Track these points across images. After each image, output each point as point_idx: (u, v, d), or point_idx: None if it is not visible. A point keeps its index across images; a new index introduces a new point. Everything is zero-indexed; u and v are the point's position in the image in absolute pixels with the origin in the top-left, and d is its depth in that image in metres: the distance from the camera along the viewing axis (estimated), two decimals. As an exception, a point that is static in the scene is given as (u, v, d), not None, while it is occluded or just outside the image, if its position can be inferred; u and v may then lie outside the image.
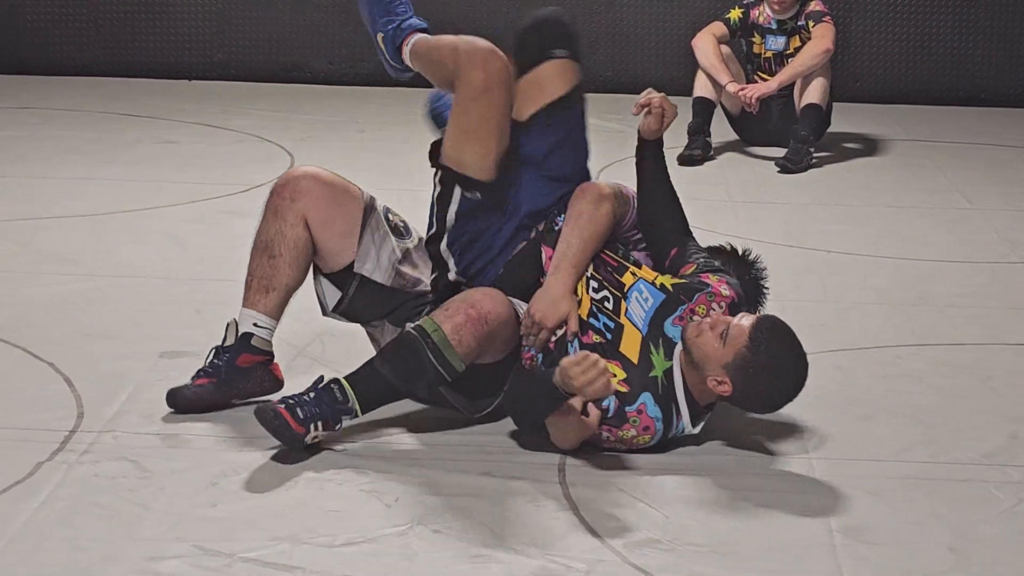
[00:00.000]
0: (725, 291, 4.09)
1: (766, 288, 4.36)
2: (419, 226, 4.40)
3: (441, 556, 3.48)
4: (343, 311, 4.31)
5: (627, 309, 4.08)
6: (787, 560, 3.52)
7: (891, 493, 3.88)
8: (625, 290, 4.11)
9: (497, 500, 3.77)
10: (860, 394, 4.57)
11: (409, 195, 6.87)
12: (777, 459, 4.06)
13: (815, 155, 7.80)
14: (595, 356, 3.75)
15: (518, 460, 3.99)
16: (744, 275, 4.28)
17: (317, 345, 4.77)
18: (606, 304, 4.09)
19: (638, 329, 4.05)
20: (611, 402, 3.95)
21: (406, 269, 4.28)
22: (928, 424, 4.36)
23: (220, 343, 4.24)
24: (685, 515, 3.72)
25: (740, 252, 4.38)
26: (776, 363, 3.89)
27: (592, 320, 4.07)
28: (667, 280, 4.13)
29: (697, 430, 4.05)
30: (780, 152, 7.76)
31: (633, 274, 4.14)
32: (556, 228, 4.17)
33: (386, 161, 7.57)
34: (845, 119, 8.57)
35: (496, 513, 3.70)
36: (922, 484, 3.95)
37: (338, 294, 4.28)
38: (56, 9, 9.61)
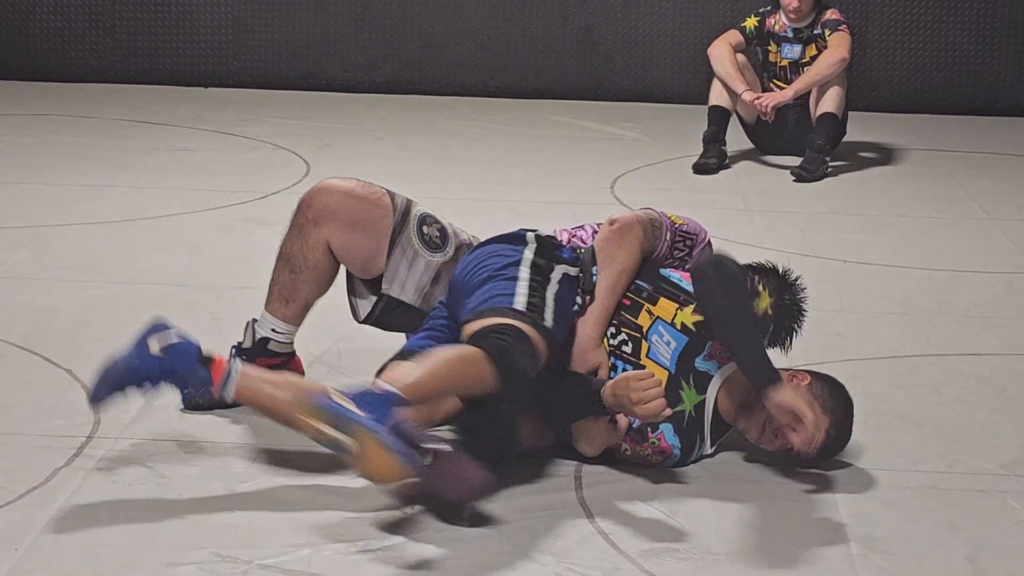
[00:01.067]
0: None
1: (805, 311, 4.25)
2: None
3: (457, 563, 3.48)
4: (373, 323, 4.31)
5: (649, 349, 4.02)
6: (803, 570, 3.52)
7: (908, 503, 3.88)
8: (644, 331, 4.04)
9: (513, 508, 3.77)
10: (877, 404, 4.56)
11: (425, 203, 6.88)
12: (793, 468, 4.05)
13: (831, 164, 7.80)
14: (658, 378, 3.78)
15: (534, 468, 3.98)
16: (782, 296, 4.20)
17: (333, 353, 4.78)
18: (624, 348, 4.04)
19: (665, 368, 4.00)
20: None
21: (437, 291, 4.23)
22: (945, 434, 4.36)
23: (239, 341, 4.28)
24: (701, 524, 3.72)
25: (780, 271, 4.27)
26: (841, 442, 4.01)
27: (612, 368, 4.04)
28: (687, 318, 4.03)
29: (712, 449, 4.05)
30: (796, 161, 7.76)
31: (649, 312, 4.05)
32: (594, 278, 4.11)
33: (401, 168, 7.58)
34: (861, 128, 8.56)
35: (512, 521, 3.69)
36: (939, 494, 3.94)
37: (369, 306, 4.28)
38: (72, 15, 9.64)
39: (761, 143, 8.13)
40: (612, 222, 4.14)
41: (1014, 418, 4.50)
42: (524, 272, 3.97)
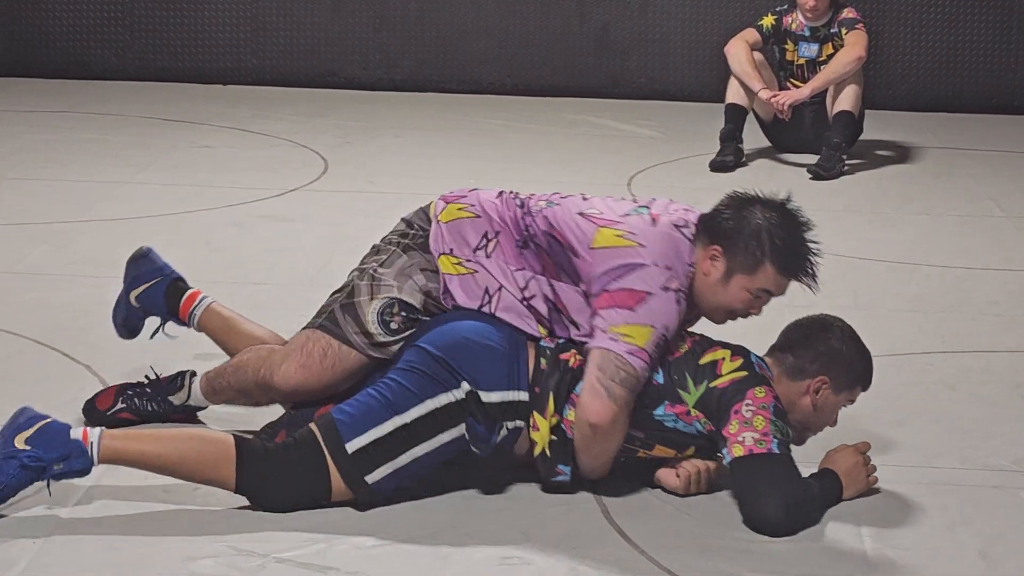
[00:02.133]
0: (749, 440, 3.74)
1: (818, 253, 4.12)
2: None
3: (473, 558, 3.50)
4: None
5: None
6: (817, 563, 3.54)
7: (922, 498, 3.89)
8: (651, 450, 3.89)
9: (529, 503, 3.79)
10: (892, 400, 4.58)
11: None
12: (807, 464, 4.06)
13: (847, 162, 7.80)
14: (690, 474, 3.83)
15: (550, 464, 4.00)
16: (784, 229, 4.10)
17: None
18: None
19: (672, 449, 3.91)
20: None
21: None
22: (959, 430, 4.37)
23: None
24: (715, 518, 3.74)
25: (780, 201, 4.10)
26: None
27: None
28: (690, 453, 3.87)
29: None
30: (812, 159, 7.76)
31: (647, 454, 3.86)
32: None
33: (419, 166, 7.61)
34: (878, 126, 8.56)
35: (527, 516, 3.72)
36: (953, 490, 3.96)
37: None
38: (91, 13, 9.68)
39: (778, 141, 8.14)
40: (593, 427, 3.69)
41: (1028, 415, 4.52)
42: (410, 415, 3.68)
